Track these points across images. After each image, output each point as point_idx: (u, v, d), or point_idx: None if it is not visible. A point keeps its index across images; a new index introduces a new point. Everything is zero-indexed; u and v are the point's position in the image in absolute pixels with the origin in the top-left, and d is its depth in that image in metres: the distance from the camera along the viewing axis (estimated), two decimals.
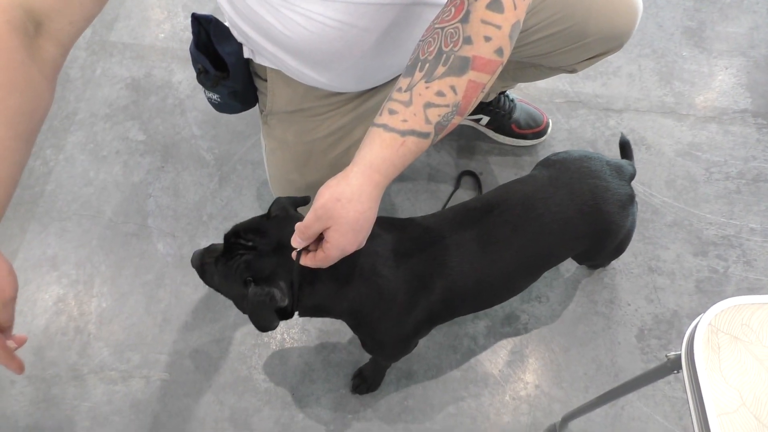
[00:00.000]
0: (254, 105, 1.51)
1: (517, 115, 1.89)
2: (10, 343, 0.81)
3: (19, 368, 0.83)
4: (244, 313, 1.08)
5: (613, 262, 1.76)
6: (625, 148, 1.45)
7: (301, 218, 1.05)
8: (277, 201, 1.11)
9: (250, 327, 1.65)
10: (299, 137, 1.43)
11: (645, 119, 1.99)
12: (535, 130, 1.92)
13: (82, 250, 1.77)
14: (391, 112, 0.91)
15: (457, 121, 0.93)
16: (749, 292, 1.72)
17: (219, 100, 1.44)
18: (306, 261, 0.98)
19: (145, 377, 1.61)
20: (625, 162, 1.33)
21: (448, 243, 1.19)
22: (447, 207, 1.39)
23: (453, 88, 0.89)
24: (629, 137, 1.56)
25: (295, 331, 1.68)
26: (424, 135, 0.91)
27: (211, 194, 1.85)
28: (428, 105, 0.90)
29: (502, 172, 1.90)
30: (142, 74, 2.02)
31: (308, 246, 0.98)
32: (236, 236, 1.06)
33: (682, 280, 1.75)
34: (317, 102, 1.37)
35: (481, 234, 1.20)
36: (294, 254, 0.99)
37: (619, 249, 1.43)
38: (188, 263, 1.74)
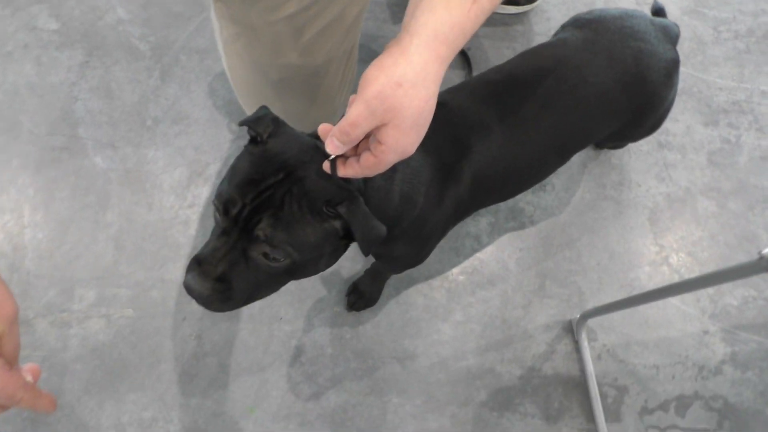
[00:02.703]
0: None
1: None
2: (27, 377, 0.60)
3: (52, 404, 0.62)
4: (329, 265, 0.84)
5: None
6: (660, 15, 1.22)
7: (302, 137, 0.79)
8: (263, 116, 0.82)
9: None
10: (265, 16, 1.14)
11: None
12: None
13: (1, 173, 1.45)
14: None
15: None
16: (762, 161, 1.60)
17: None
18: (346, 171, 0.74)
19: (104, 316, 1.37)
20: (671, 22, 1.11)
21: (473, 124, 0.98)
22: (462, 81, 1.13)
23: None
24: None
25: None
26: None
27: (152, 93, 1.53)
28: None
29: (492, 45, 1.65)
30: None
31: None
32: (240, 196, 0.76)
33: (693, 153, 1.61)
34: None
35: (506, 112, 0.99)
36: (326, 165, 0.75)
37: (655, 125, 1.25)
38: (137, 179, 1.47)
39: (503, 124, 0.99)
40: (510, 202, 1.53)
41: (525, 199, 1.54)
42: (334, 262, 0.88)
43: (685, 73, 1.65)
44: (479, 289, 1.47)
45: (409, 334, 1.42)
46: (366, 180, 0.82)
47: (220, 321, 1.39)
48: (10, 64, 1.52)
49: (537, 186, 1.54)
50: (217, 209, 0.79)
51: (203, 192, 1.47)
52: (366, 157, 0.72)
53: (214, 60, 1.55)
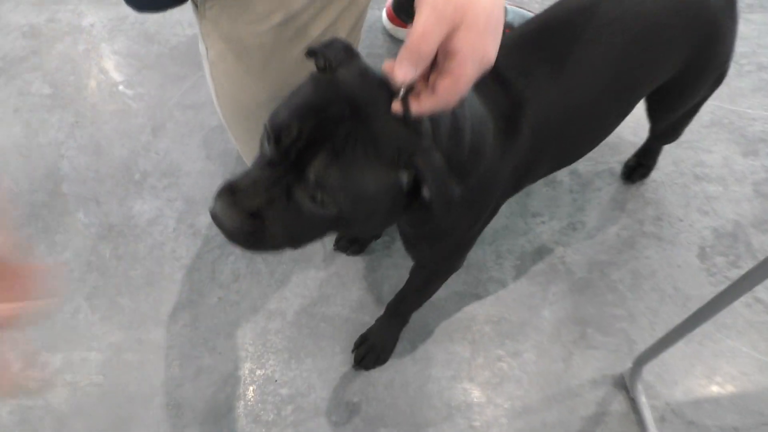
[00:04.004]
0: None
1: None
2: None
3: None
4: (378, 227, 0.72)
5: (653, 173, 1.43)
6: None
7: (374, 71, 0.68)
8: (334, 41, 0.71)
9: (213, 310, 1.25)
10: (252, 27, 1.07)
11: None
12: None
13: None
14: None
15: None
16: None
17: None
18: (422, 106, 0.62)
19: (69, 384, 1.17)
20: None
21: (520, 73, 0.86)
22: None
23: None
24: None
25: (273, 312, 1.28)
26: None
27: (143, 148, 1.44)
28: None
29: None
30: (42, 20, 1.62)
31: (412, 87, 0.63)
32: (298, 123, 0.64)
33: (736, 185, 1.44)
34: None
35: (551, 57, 0.88)
36: (396, 104, 0.62)
37: (722, 67, 1.08)
38: (120, 233, 1.34)
39: (550, 69, 0.87)
40: (534, 241, 1.35)
41: (553, 239, 1.36)
42: (384, 227, 0.74)
43: (712, 106, 1.54)
44: (509, 340, 1.25)
45: (429, 396, 1.18)
46: (434, 127, 0.69)
47: (204, 386, 1.18)
48: None
49: (565, 225, 1.37)
50: (267, 136, 0.66)
51: (193, 245, 1.33)
52: (441, 82, 0.60)
53: (209, 114, 1.48)
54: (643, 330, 1.26)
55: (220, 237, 1.34)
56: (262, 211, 0.65)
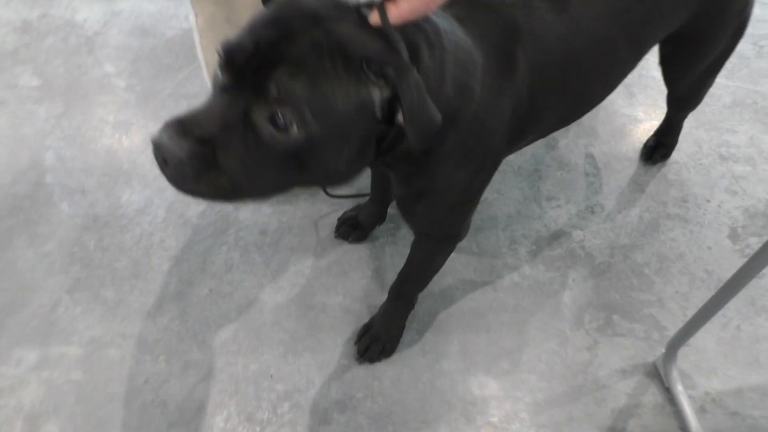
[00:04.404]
0: None
1: None
2: None
3: None
4: (352, 164, 0.64)
5: (675, 154, 1.34)
6: None
7: None
8: None
9: (203, 313, 1.16)
10: None
11: None
12: None
13: None
14: None
15: None
16: None
17: None
18: (400, 10, 0.58)
19: (45, 381, 1.06)
20: None
21: (514, 3, 0.77)
22: None
23: None
24: None
25: (268, 303, 1.18)
26: None
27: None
28: None
29: None
30: (35, 15, 1.57)
31: None
32: (251, 39, 0.57)
33: (765, 164, 1.34)
34: None
35: None
36: (374, 15, 0.58)
37: (741, 15, 0.99)
38: (106, 223, 1.25)
39: (552, 3, 0.78)
40: (551, 226, 1.25)
41: (570, 223, 1.26)
42: (356, 168, 0.65)
43: (734, 87, 1.46)
44: (527, 328, 1.14)
45: (441, 390, 1.06)
46: (411, 51, 0.61)
47: (192, 384, 1.07)
48: None
49: (583, 209, 1.28)
50: (219, 63, 0.59)
51: (183, 235, 1.24)
52: None
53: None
54: (674, 315, 1.14)
55: (213, 227, 1.25)
56: (215, 138, 0.56)
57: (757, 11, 1.60)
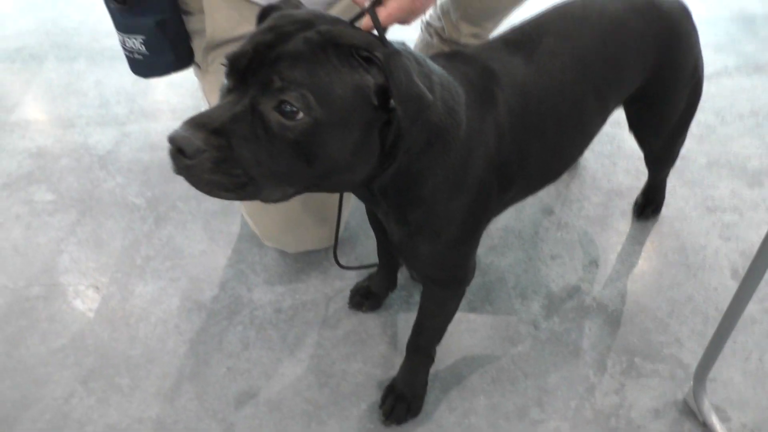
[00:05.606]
0: (189, 60, 1.21)
1: None
2: None
3: None
4: (357, 154, 0.68)
5: (664, 210, 1.41)
6: None
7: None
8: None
9: (215, 388, 1.15)
10: None
11: None
12: None
13: None
14: None
15: None
16: None
17: (143, 45, 1.12)
18: (390, 6, 0.70)
19: None
20: None
21: (491, 57, 0.87)
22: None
23: None
24: None
25: (288, 376, 1.16)
26: None
27: (145, 236, 1.41)
28: None
29: None
30: (50, 142, 1.68)
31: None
32: (252, 46, 0.64)
33: (751, 212, 1.42)
34: None
35: (523, 48, 0.90)
36: (365, 22, 0.69)
37: (696, 75, 1.08)
38: (119, 315, 1.25)
39: (522, 55, 0.88)
40: (559, 282, 1.28)
41: (577, 276, 1.29)
42: (365, 158, 0.69)
43: (706, 150, 1.57)
44: (552, 376, 1.12)
45: None
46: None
47: None
48: None
49: (587, 263, 1.31)
50: (226, 71, 0.66)
51: (197, 319, 1.24)
52: None
53: (213, 202, 1.48)
54: (695, 353, 1.14)
55: (227, 309, 1.26)
56: (227, 129, 0.62)
57: (713, 88, 1.77)
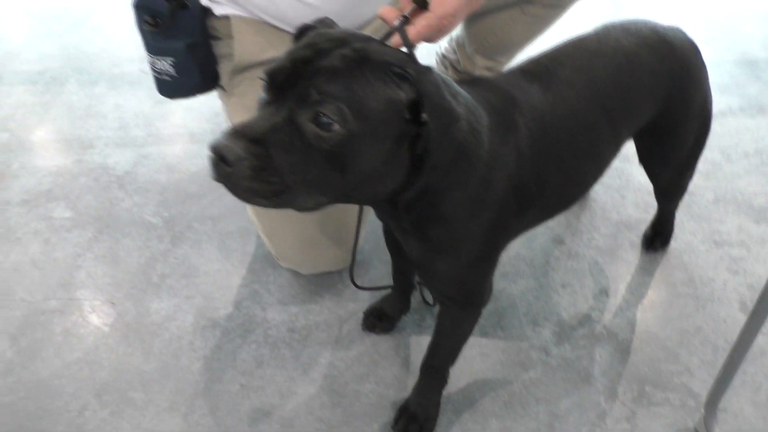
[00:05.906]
0: (214, 83, 1.25)
1: None
2: None
3: None
4: (389, 169, 0.72)
5: (673, 243, 1.43)
6: None
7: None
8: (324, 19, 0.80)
9: (247, 405, 1.16)
10: None
11: None
12: None
13: None
14: None
15: None
16: None
17: (173, 67, 1.17)
18: (419, 25, 0.78)
19: None
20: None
21: (510, 85, 0.91)
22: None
23: None
24: None
25: (301, 394, 1.17)
26: None
27: (161, 254, 1.43)
28: None
29: None
30: (70, 161, 1.71)
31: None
32: (290, 61, 0.68)
33: (758, 247, 1.44)
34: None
35: (540, 77, 0.94)
36: (395, 40, 0.75)
37: (704, 113, 1.13)
38: (135, 330, 1.26)
39: (539, 85, 0.92)
40: (570, 310, 1.30)
41: (587, 305, 1.31)
42: (396, 170, 0.72)
43: (713, 186, 1.60)
44: (563, 401, 1.13)
45: None
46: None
47: None
48: (16, 246, 1.46)
49: (598, 292, 1.33)
50: (264, 85, 0.70)
51: (212, 337, 1.25)
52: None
53: (228, 222, 1.50)
54: (705, 383, 1.15)
55: (241, 327, 1.27)
56: (266, 138, 0.65)
57: (718, 128, 1.81)
